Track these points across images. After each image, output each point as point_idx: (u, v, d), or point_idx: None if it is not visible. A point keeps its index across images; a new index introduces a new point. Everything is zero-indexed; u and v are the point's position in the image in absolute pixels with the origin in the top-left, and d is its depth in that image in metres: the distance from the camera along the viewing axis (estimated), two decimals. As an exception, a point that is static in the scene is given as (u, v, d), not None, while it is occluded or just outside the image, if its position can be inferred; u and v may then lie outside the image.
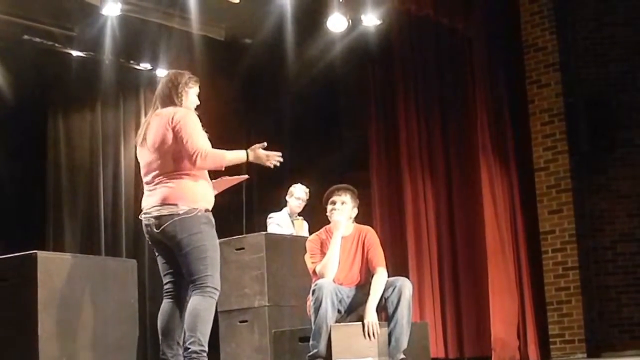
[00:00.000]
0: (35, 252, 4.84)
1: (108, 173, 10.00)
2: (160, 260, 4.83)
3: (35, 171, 10.15)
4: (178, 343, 4.72)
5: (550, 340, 8.34)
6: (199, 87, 4.91)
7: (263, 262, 6.36)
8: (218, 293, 4.68)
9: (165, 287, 4.81)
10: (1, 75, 9.17)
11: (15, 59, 8.98)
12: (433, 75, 9.13)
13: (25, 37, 8.62)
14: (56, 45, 8.87)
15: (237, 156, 4.74)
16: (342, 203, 5.40)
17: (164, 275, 4.81)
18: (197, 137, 4.62)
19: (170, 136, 4.64)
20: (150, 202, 4.71)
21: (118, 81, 9.74)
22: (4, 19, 8.24)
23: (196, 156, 4.58)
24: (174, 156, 4.64)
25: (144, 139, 4.75)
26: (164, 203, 4.62)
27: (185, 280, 4.71)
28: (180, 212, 4.58)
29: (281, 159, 4.81)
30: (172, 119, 4.65)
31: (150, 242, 4.81)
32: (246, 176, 5.17)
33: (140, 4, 8.36)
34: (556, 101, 8.59)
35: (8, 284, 4.89)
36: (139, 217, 4.79)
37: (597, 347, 8.30)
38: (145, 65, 9.57)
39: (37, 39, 8.70)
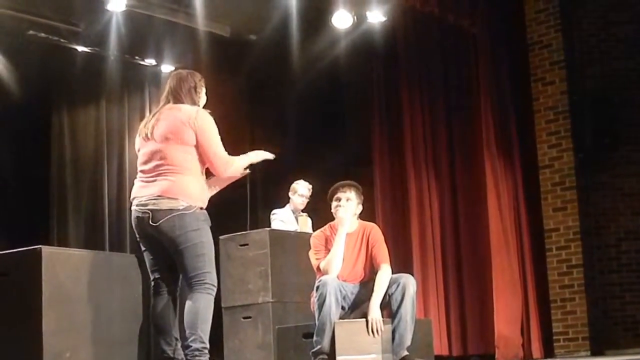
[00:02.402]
0: (40, 247, 4.85)
1: (112, 168, 9.98)
2: (147, 256, 4.75)
3: (40, 166, 10.14)
4: (176, 338, 4.70)
5: (554, 337, 8.34)
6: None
7: (267, 258, 6.37)
8: (215, 289, 4.66)
9: (155, 283, 4.75)
10: (6, 71, 9.17)
11: (20, 54, 8.98)
12: (437, 72, 9.12)
13: (31, 32, 8.62)
14: (61, 40, 8.88)
15: (242, 161, 4.85)
16: (347, 200, 5.38)
17: (152, 271, 4.75)
18: (220, 146, 4.67)
19: (189, 132, 4.59)
20: (145, 192, 4.60)
21: (123, 77, 9.74)
22: (10, 14, 8.24)
23: (218, 165, 4.66)
24: (185, 151, 4.60)
25: (152, 133, 4.65)
26: (163, 196, 4.53)
27: (174, 275, 4.69)
28: (180, 207, 4.52)
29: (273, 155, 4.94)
30: (196, 118, 4.61)
31: (138, 236, 4.69)
32: (247, 171, 5.06)
33: (145, 0, 8.36)
34: (561, 99, 8.59)
35: (12, 278, 4.90)
36: (131, 208, 4.67)
37: (600, 344, 8.29)
38: (150, 61, 9.60)
39: (42, 35, 8.69)
